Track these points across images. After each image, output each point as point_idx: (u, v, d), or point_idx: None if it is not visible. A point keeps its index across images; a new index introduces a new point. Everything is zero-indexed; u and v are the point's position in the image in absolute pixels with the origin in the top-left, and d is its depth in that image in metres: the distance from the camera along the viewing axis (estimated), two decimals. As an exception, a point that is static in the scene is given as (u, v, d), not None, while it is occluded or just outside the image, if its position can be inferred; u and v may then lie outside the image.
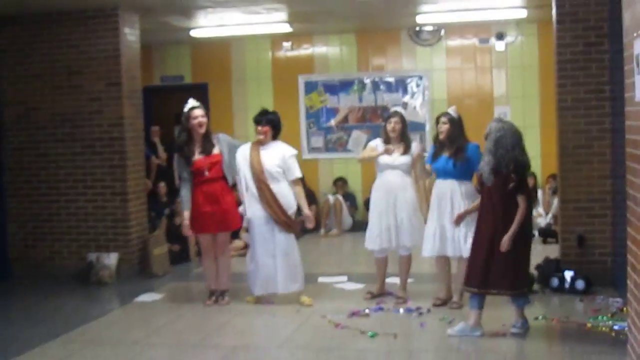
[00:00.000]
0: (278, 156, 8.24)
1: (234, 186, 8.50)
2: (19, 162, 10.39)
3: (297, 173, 8.31)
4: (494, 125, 6.87)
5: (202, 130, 8.26)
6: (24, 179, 10.40)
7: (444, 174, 7.88)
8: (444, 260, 8.07)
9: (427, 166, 8.15)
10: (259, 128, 8.25)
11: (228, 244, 8.71)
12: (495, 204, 6.81)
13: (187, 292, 9.38)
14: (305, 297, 8.34)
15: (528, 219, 6.90)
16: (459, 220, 7.63)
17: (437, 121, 7.98)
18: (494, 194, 6.81)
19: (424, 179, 8.32)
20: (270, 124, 8.27)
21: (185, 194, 8.28)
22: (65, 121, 10.18)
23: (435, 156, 7.97)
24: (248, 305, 8.38)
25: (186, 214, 8.29)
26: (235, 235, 11.89)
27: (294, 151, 8.41)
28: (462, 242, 7.73)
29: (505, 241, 6.67)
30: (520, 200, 6.72)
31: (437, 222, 7.89)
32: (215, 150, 8.29)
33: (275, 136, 8.37)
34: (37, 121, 10.28)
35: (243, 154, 8.34)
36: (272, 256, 8.22)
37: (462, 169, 7.77)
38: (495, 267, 6.76)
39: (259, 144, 8.32)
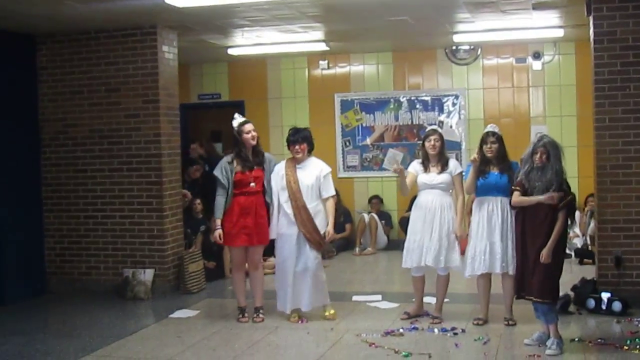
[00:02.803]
0: (314, 174, 8.28)
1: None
2: (57, 177, 10.50)
3: (331, 191, 8.36)
4: (551, 141, 7.10)
5: (254, 142, 8.37)
6: (61, 195, 10.50)
7: (495, 190, 7.89)
8: (487, 278, 8.06)
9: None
10: (297, 147, 8.29)
11: (261, 259, 8.72)
12: (542, 219, 7.01)
13: (221, 308, 9.38)
14: (330, 309, 8.37)
15: (565, 233, 7.16)
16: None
17: (484, 140, 7.96)
18: (542, 208, 7.01)
19: (470, 193, 8.25)
20: (306, 141, 8.34)
21: (220, 201, 8.34)
22: (103, 138, 10.27)
23: (483, 173, 7.95)
24: (282, 322, 8.38)
25: (218, 222, 8.35)
26: (271, 252, 11.91)
27: (329, 168, 8.46)
28: (508, 259, 7.79)
29: (545, 253, 6.92)
30: (561, 215, 6.96)
31: (487, 239, 7.89)
32: (263, 165, 8.43)
33: (309, 152, 8.42)
34: (75, 137, 10.39)
35: (278, 171, 8.39)
36: (301, 274, 8.26)
37: (509, 186, 7.77)
38: (529, 275, 7.07)
39: (294, 162, 8.36)
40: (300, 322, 8.33)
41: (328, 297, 8.50)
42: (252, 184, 8.30)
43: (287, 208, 8.26)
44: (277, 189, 8.33)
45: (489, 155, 7.91)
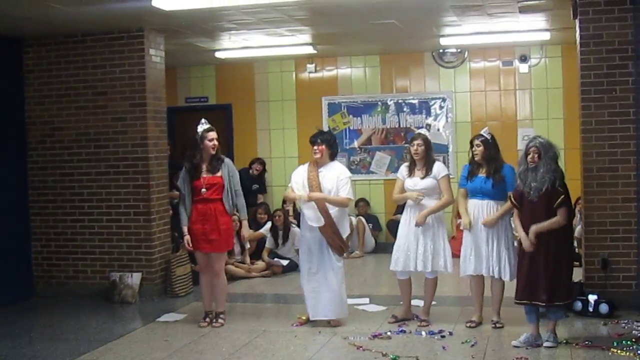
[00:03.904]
0: (334, 178, 8.23)
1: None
2: (44, 181, 10.46)
3: (347, 194, 8.22)
4: (543, 141, 7.24)
5: (213, 152, 8.36)
6: (48, 198, 10.46)
7: (480, 193, 7.95)
8: (480, 280, 8.10)
9: (462, 190, 8.18)
10: (315, 148, 8.26)
11: (222, 265, 8.72)
12: (540, 220, 7.10)
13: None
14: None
15: (570, 235, 7.46)
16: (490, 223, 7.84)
17: (471, 144, 8.06)
18: (539, 210, 7.11)
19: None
20: (326, 143, 8.29)
21: (180, 209, 8.42)
22: (90, 141, 10.25)
23: (470, 175, 8.01)
24: (270, 325, 8.39)
25: (184, 229, 8.41)
26: (257, 256, 11.93)
27: (349, 174, 8.41)
28: (494, 263, 7.87)
29: (533, 231, 7.08)
30: (562, 212, 7.10)
31: (473, 242, 7.95)
32: (219, 173, 8.38)
33: (332, 156, 8.38)
34: (62, 141, 10.36)
35: (300, 175, 8.38)
36: (321, 280, 8.22)
37: (499, 189, 7.87)
38: (539, 280, 7.11)
39: (316, 165, 8.34)
40: (298, 325, 8.32)
41: (346, 308, 8.42)
42: (203, 190, 8.30)
43: (307, 210, 8.24)
44: (297, 186, 8.31)
45: (476, 158, 7.96)
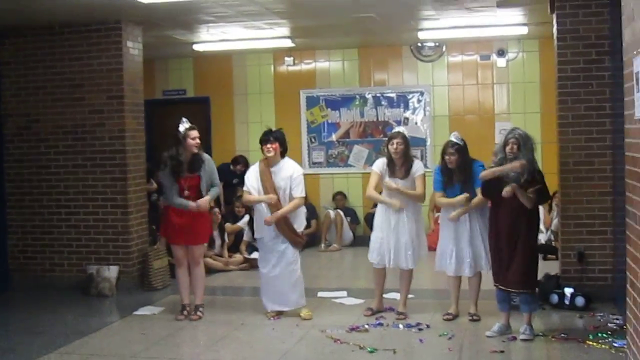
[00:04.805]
0: (287, 175, 8.28)
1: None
2: (20, 173, 10.40)
3: (299, 193, 8.31)
4: (522, 133, 7.30)
5: (196, 150, 8.34)
6: (24, 191, 10.40)
7: (460, 204, 7.98)
8: (457, 278, 8.16)
9: (438, 194, 8.16)
10: (268, 146, 8.26)
11: (201, 257, 8.73)
12: (516, 208, 7.19)
13: (186, 305, 9.37)
14: (305, 310, 8.36)
15: (537, 221, 7.61)
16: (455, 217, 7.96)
17: (444, 150, 8.00)
18: (516, 204, 7.18)
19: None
20: (278, 141, 8.31)
21: (178, 201, 8.33)
22: (67, 133, 10.20)
23: (447, 184, 8.02)
24: (247, 318, 8.38)
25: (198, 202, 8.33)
26: (235, 249, 11.92)
27: (301, 170, 8.46)
28: (474, 261, 7.94)
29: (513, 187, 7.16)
30: (533, 198, 7.18)
31: (455, 245, 8.01)
32: (198, 172, 8.37)
33: (283, 154, 8.40)
34: (38, 133, 10.30)
35: (254, 173, 8.40)
36: (282, 273, 8.29)
37: (472, 191, 7.88)
38: (515, 267, 7.21)
39: (268, 164, 8.35)
40: (273, 318, 8.33)
41: (304, 298, 8.48)
42: (186, 192, 8.31)
43: (265, 209, 8.27)
44: (254, 192, 8.33)
45: (449, 166, 7.96)
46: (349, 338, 7.44)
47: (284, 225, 8.27)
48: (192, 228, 8.38)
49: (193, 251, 8.53)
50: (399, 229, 8.12)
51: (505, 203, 7.24)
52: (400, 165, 8.18)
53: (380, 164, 8.34)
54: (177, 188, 8.32)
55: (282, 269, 8.31)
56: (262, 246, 8.50)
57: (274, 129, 8.50)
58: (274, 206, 8.23)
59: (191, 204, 8.27)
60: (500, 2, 9.61)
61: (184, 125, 8.33)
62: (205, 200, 8.33)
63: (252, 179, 8.40)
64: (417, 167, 8.25)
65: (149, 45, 10.98)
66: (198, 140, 8.35)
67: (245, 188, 8.48)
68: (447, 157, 7.94)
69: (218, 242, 11.45)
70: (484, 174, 7.43)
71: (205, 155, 8.54)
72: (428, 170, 8.86)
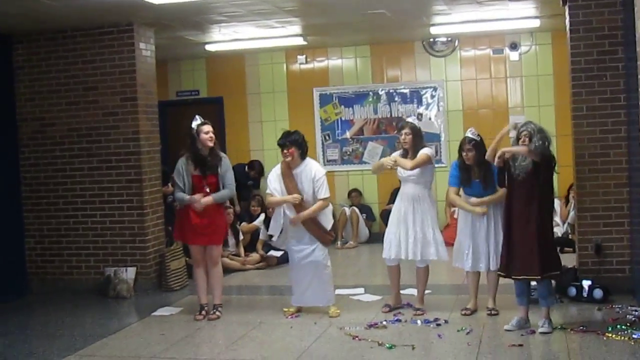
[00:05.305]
0: (309, 177, 8.27)
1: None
2: (36, 177, 10.45)
3: (324, 194, 8.29)
4: (533, 126, 7.35)
5: (211, 144, 8.33)
6: (40, 195, 10.45)
7: (479, 196, 7.98)
8: (476, 273, 8.15)
9: (453, 189, 8.18)
10: (285, 151, 8.26)
11: (219, 257, 8.75)
12: (526, 194, 7.22)
13: (204, 305, 9.39)
14: (334, 308, 8.36)
15: (550, 207, 7.59)
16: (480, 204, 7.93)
17: (461, 147, 8.01)
18: (525, 189, 7.23)
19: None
20: (296, 145, 8.28)
21: (181, 194, 8.34)
22: (82, 136, 10.23)
23: (466, 182, 8.03)
24: (266, 317, 8.39)
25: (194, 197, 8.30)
26: (251, 248, 11.94)
27: (323, 171, 8.45)
28: (491, 257, 7.93)
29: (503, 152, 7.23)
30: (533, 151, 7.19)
31: (471, 239, 8.00)
32: (217, 171, 8.38)
33: (303, 155, 8.37)
34: (53, 137, 10.34)
35: (276, 176, 8.39)
36: (309, 271, 8.30)
37: (492, 188, 7.88)
38: (526, 252, 7.22)
39: (289, 167, 8.34)
40: (292, 317, 8.34)
41: (334, 296, 8.49)
42: (207, 189, 8.31)
43: (290, 212, 8.26)
44: (277, 194, 8.32)
45: (467, 162, 7.96)
46: (367, 335, 7.44)
47: (312, 225, 8.25)
48: (210, 228, 8.40)
49: (211, 251, 8.54)
50: (408, 222, 8.10)
51: (516, 191, 7.28)
52: (412, 155, 8.18)
53: (396, 154, 8.40)
54: (189, 184, 8.31)
55: (313, 269, 8.29)
56: (289, 249, 8.50)
57: (290, 130, 8.51)
58: (299, 206, 8.22)
59: (187, 198, 8.27)
60: (512, -5, 9.60)
61: (196, 122, 8.35)
62: (205, 200, 8.27)
63: (274, 181, 8.39)
64: (422, 150, 8.18)
65: (161, 47, 11.00)
66: (212, 135, 8.34)
67: (268, 191, 8.47)
68: (464, 154, 7.94)
69: (232, 241, 11.47)
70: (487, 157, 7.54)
71: (222, 154, 8.55)
72: (443, 165, 8.83)
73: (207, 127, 8.34)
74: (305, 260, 8.30)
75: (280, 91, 14.22)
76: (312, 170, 8.34)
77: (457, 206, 8.29)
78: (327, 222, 8.44)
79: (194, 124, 8.34)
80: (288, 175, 8.31)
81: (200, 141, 8.29)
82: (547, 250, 7.25)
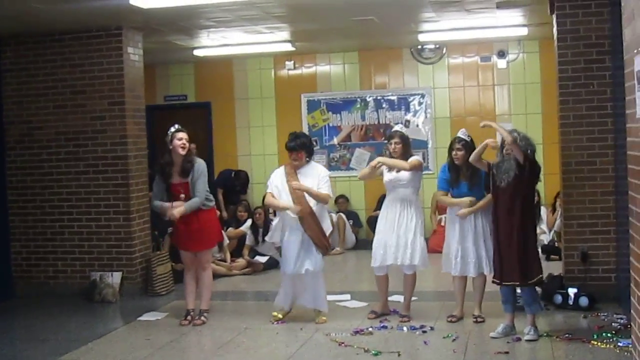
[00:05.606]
0: (315, 178, 8.24)
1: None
2: (22, 181, 10.40)
3: (327, 190, 8.24)
4: (517, 134, 7.37)
5: (184, 152, 8.27)
6: (27, 198, 10.41)
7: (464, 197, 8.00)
8: (463, 280, 8.15)
9: (440, 193, 8.21)
10: (293, 155, 8.23)
11: (209, 262, 8.75)
12: (509, 201, 7.27)
13: (190, 310, 9.37)
14: (322, 316, 8.33)
15: (532, 214, 7.58)
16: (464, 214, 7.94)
17: (451, 146, 8.03)
18: (513, 194, 7.25)
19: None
20: (305, 149, 8.27)
21: (156, 203, 8.38)
22: (69, 140, 10.20)
23: (454, 182, 8.03)
24: (252, 322, 8.38)
25: (167, 204, 8.29)
26: (238, 254, 11.92)
27: (327, 171, 8.46)
28: (479, 262, 7.94)
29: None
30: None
31: (460, 244, 8.00)
32: (189, 177, 8.32)
33: (309, 157, 8.37)
34: (40, 140, 10.30)
35: (279, 178, 8.35)
36: (304, 277, 8.23)
37: (479, 191, 7.88)
38: (512, 260, 7.27)
39: (294, 168, 8.32)
40: (278, 323, 8.32)
41: (326, 303, 8.44)
42: (182, 195, 8.27)
43: (292, 213, 8.21)
44: (279, 195, 8.27)
45: (456, 162, 7.97)
46: (353, 341, 7.43)
47: (313, 225, 8.17)
48: (199, 234, 8.38)
49: (200, 256, 8.53)
50: (396, 228, 8.09)
51: (500, 198, 7.33)
52: None
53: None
54: (164, 192, 8.31)
55: (307, 274, 8.21)
56: (285, 251, 8.39)
57: (297, 132, 8.54)
58: (305, 215, 8.13)
59: (165, 205, 8.26)
60: (499, 3, 9.62)
61: (171, 130, 8.34)
62: (177, 210, 8.20)
63: (276, 180, 8.35)
64: (413, 157, 8.22)
65: (149, 51, 10.99)
66: (185, 142, 8.26)
67: (269, 190, 8.41)
68: (453, 153, 7.97)
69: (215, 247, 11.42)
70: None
71: (198, 161, 8.46)
72: (430, 172, 8.85)
73: (181, 134, 8.28)
74: (301, 269, 8.22)
75: (268, 97, 14.22)
76: (317, 169, 8.35)
77: (444, 204, 8.29)
78: (327, 226, 8.39)
79: (169, 131, 8.33)
80: (292, 175, 8.29)
81: (173, 148, 8.27)
82: (529, 258, 7.28)
